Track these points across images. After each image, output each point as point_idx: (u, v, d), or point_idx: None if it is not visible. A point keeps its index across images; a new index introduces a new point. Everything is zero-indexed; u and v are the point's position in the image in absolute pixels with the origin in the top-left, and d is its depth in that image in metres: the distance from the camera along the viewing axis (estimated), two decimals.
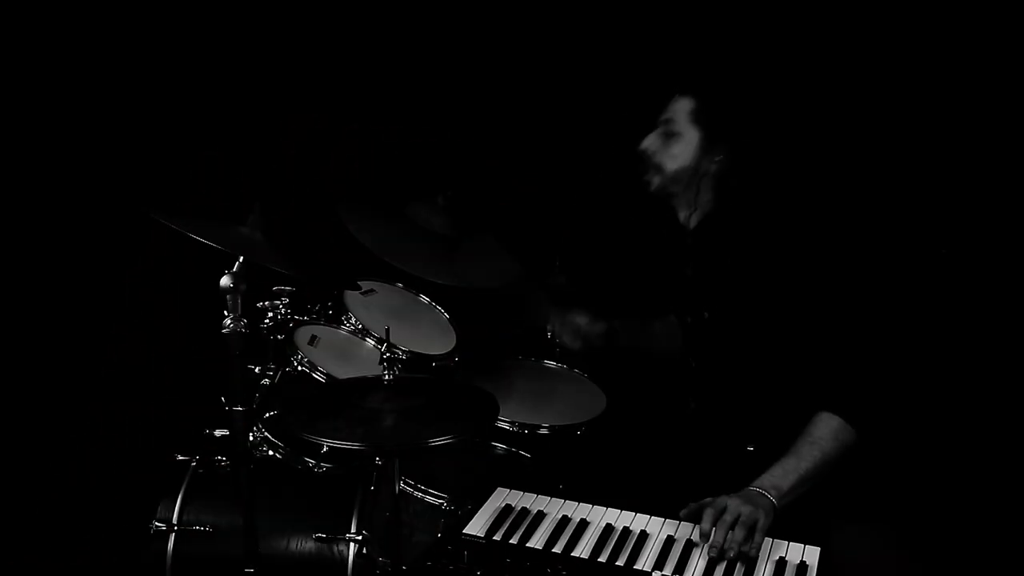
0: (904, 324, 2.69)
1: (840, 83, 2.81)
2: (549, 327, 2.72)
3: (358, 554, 2.23)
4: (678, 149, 2.19)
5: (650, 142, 2.24)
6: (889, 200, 2.80)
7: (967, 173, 2.73)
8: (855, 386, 2.03)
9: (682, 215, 2.27)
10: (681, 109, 2.19)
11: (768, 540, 1.81)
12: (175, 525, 2.26)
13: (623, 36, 3.09)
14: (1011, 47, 2.60)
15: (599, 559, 1.79)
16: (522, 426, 2.46)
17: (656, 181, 2.23)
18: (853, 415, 1.98)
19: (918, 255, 2.77)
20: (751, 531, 1.79)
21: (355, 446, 1.90)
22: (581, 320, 2.65)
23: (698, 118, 2.17)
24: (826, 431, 1.97)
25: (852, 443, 1.98)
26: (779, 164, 2.28)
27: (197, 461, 2.36)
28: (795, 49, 2.84)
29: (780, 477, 1.91)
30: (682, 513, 1.89)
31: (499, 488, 2.04)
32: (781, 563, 1.77)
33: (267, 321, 2.37)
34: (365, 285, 2.76)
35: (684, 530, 1.88)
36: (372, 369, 2.33)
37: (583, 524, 1.91)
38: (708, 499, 1.87)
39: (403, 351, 2.55)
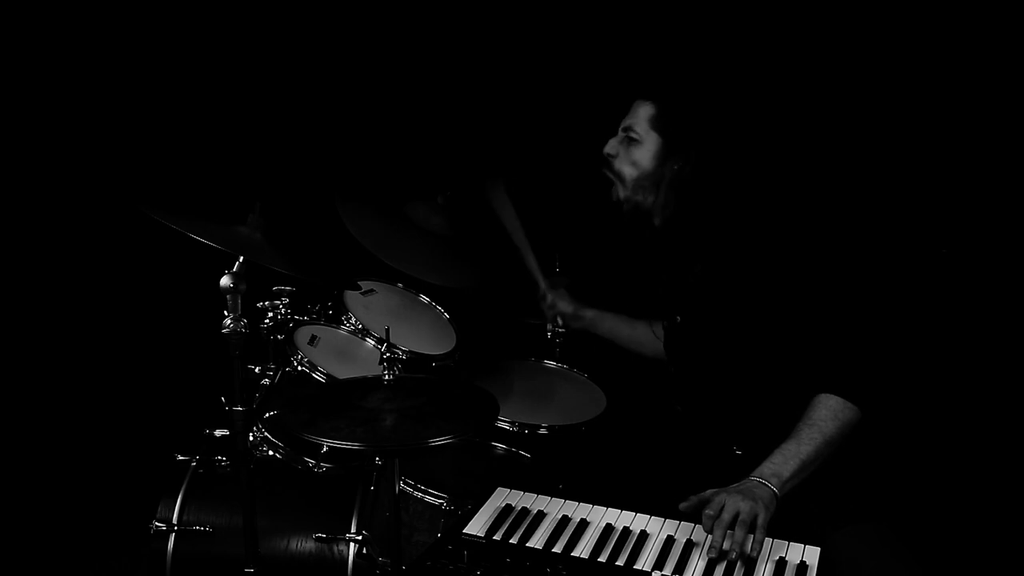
0: (891, 304, 2.70)
1: (828, 83, 2.81)
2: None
3: (358, 554, 2.23)
4: (638, 155, 2.18)
5: (612, 147, 2.23)
6: (867, 193, 2.81)
7: (927, 165, 2.76)
8: (849, 363, 2.02)
9: (656, 220, 2.27)
10: (642, 115, 2.19)
11: (768, 540, 1.81)
12: (175, 525, 2.27)
13: (607, 38, 3.09)
14: (1008, 41, 2.60)
15: (599, 559, 1.79)
16: (522, 426, 2.46)
17: (619, 191, 2.23)
18: (851, 391, 1.97)
19: (901, 243, 2.78)
20: (752, 527, 1.79)
21: (355, 446, 1.90)
22: (563, 304, 2.68)
23: (658, 124, 2.17)
24: (825, 412, 1.95)
25: (854, 421, 1.96)
26: (750, 167, 2.26)
27: (197, 461, 2.37)
28: (784, 46, 2.84)
29: (780, 464, 1.89)
30: (682, 506, 1.88)
31: (499, 488, 2.04)
32: (781, 563, 1.77)
33: (267, 321, 2.37)
34: (365, 285, 2.76)
35: (684, 530, 1.88)
36: (372, 369, 2.33)
37: (583, 524, 1.91)
38: (708, 492, 1.86)
39: (403, 351, 2.55)
